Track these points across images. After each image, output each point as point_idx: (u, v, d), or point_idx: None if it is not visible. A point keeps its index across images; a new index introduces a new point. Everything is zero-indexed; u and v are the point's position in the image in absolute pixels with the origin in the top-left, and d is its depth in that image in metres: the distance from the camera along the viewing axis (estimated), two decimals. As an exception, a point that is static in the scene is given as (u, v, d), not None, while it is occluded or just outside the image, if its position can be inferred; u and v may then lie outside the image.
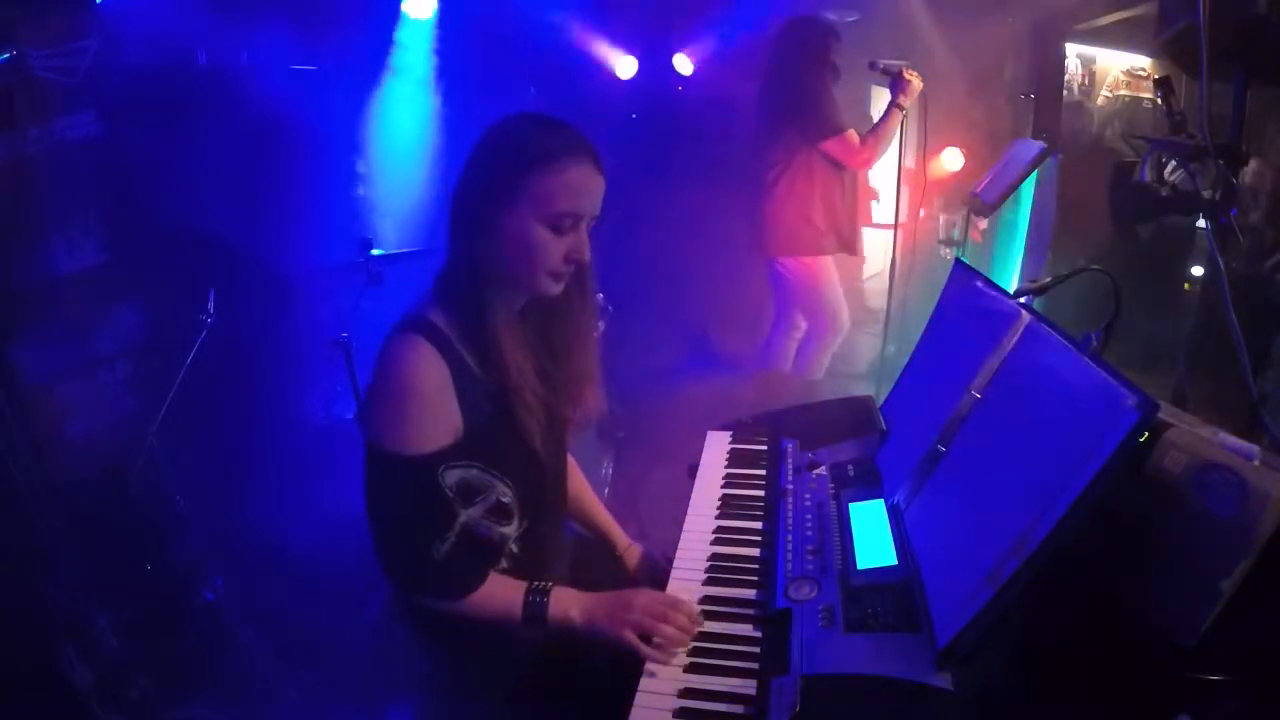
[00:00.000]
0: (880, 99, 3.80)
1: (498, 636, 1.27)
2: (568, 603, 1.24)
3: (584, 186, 1.23)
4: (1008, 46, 4.00)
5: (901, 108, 2.94)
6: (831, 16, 3.06)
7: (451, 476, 1.24)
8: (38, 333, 2.29)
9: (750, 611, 1.23)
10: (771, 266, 3.24)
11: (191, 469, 2.47)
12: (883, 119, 2.97)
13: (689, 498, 1.57)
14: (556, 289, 1.27)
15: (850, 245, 3.20)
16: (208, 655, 2.23)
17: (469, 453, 1.25)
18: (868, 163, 3.04)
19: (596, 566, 1.57)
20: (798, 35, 3.01)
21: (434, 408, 1.20)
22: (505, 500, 1.31)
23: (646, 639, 1.16)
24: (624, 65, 4.32)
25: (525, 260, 1.23)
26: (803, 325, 3.35)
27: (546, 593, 1.25)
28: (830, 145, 2.96)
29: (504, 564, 1.34)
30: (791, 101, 2.98)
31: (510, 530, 1.33)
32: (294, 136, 2.92)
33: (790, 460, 1.61)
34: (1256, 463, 0.95)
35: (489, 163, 1.24)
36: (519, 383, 1.25)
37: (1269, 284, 1.94)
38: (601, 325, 2.54)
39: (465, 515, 1.27)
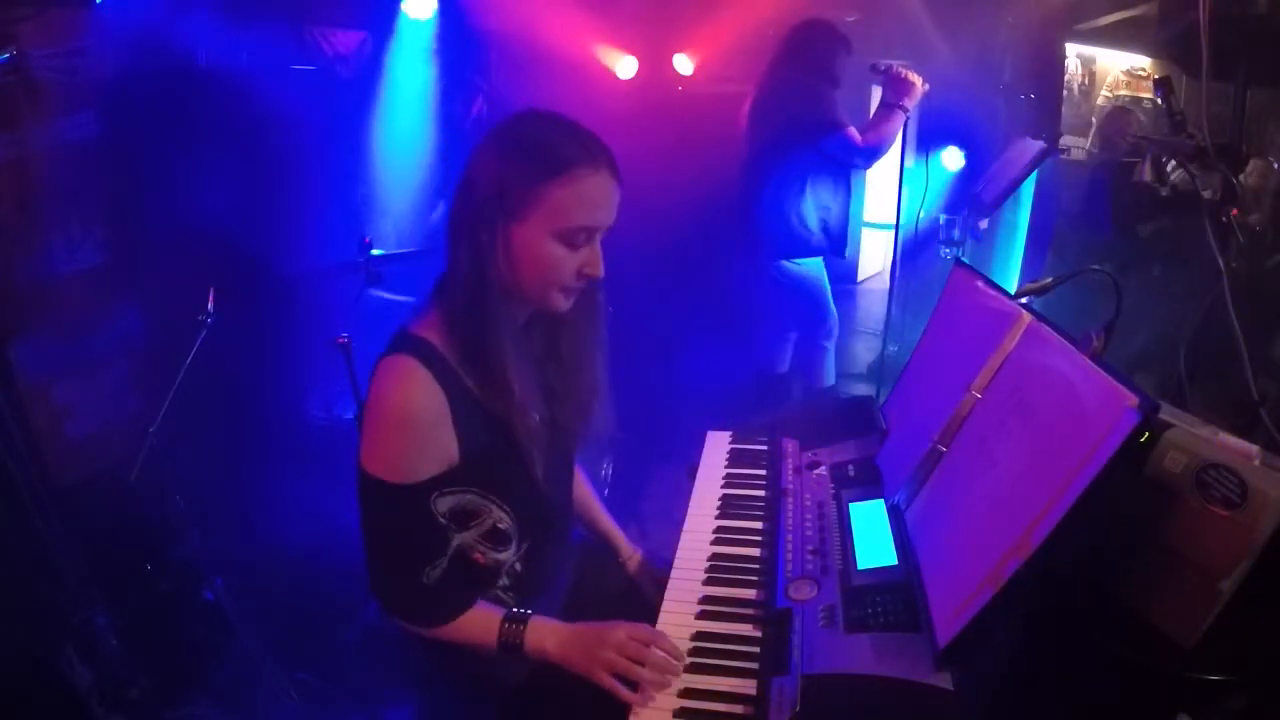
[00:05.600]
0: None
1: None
2: (544, 634, 1.19)
3: (601, 198, 1.15)
4: (1008, 46, 4.00)
5: (905, 109, 2.90)
6: (835, 20, 3.01)
7: (445, 503, 1.19)
8: (38, 333, 2.29)
9: (750, 611, 1.23)
10: (765, 269, 3.22)
11: (191, 469, 2.47)
12: (882, 117, 2.91)
13: (689, 498, 1.57)
14: (566, 305, 1.20)
15: (837, 248, 3.16)
16: (208, 655, 2.23)
17: (465, 478, 1.20)
18: (868, 160, 2.97)
19: (598, 571, 1.56)
20: (807, 36, 2.96)
21: (426, 438, 1.14)
22: (503, 526, 1.26)
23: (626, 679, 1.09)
24: (624, 65, 4.32)
25: (535, 275, 1.15)
26: (796, 329, 3.33)
27: (523, 621, 1.19)
28: (829, 142, 2.91)
29: (505, 580, 1.31)
30: (788, 99, 2.93)
31: (506, 556, 1.29)
32: (294, 136, 2.92)
33: (790, 460, 1.61)
34: (1256, 463, 0.95)
35: (497, 168, 1.13)
36: (522, 406, 1.18)
37: (1269, 284, 1.94)
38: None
39: (460, 539, 1.23)
